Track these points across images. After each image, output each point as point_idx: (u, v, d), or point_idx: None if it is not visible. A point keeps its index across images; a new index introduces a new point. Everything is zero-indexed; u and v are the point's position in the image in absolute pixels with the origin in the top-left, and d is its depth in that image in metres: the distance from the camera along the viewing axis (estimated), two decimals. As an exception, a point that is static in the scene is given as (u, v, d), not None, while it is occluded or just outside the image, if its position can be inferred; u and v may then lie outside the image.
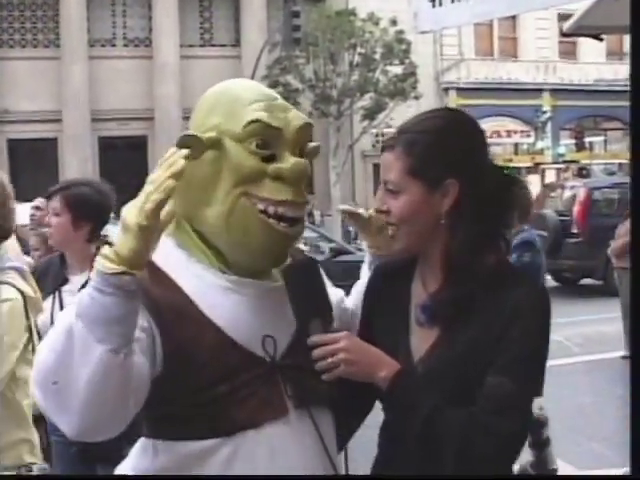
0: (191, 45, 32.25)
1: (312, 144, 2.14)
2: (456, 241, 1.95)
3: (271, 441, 1.90)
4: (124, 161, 30.52)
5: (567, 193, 16.07)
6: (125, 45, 32.16)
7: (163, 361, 1.89)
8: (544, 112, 36.68)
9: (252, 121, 1.95)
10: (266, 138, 1.96)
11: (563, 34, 5.15)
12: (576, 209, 15.24)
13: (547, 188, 18.54)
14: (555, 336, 8.03)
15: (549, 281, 16.16)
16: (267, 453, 1.89)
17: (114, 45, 32.09)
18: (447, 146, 1.97)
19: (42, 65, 30.19)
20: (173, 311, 1.90)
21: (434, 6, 3.32)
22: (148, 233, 1.71)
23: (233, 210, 1.95)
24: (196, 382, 1.90)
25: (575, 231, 15.12)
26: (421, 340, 2.00)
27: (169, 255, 1.98)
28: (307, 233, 16.03)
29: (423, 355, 1.98)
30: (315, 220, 25.81)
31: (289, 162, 1.96)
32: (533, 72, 36.72)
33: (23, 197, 15.10)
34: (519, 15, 34.57)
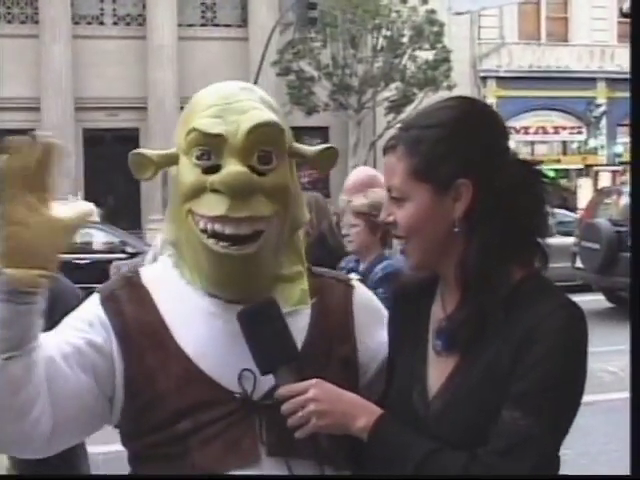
0: (191, 25, 32.35)
1: (319, 147, 2.14)
2: (472, 252, 1.90)
3: None
4: (113, 157, 30.59)
5: (624, 200, 15.96)
6: (115, 23, 32.29)
7: (124, 387, 1.97)
8: (598, 105, 36.64)
9: (190, 130, 1.98)
10: (207, 147, 1.97)
11: (623, 14, 5.15)
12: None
13: (601, 194, 18.43)
14: (608, 366, 7.98)
15: (602, 302, 16.03)
16: None
17: (102, 23, 32.21)
18: (458, 141, 1.92)
19: (18, 44, 30.24)
20: (143, 334, 1.98)
21: (473, -17, 3.31)
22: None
23: (184, 231, 2.01)
24: (157, 416, 1.93)
25: (633, 244, 15.04)
26: (438, 371, 1.95)
27: (162, 274, 2.10)
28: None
29: (438, 390, 1.93)
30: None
31: (223, 172, 1.94)
32: (586, 59, 36.69)
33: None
34: (570, -8, 34.61)
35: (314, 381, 1.89)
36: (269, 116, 2.01)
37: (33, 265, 1.78)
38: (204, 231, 1.96)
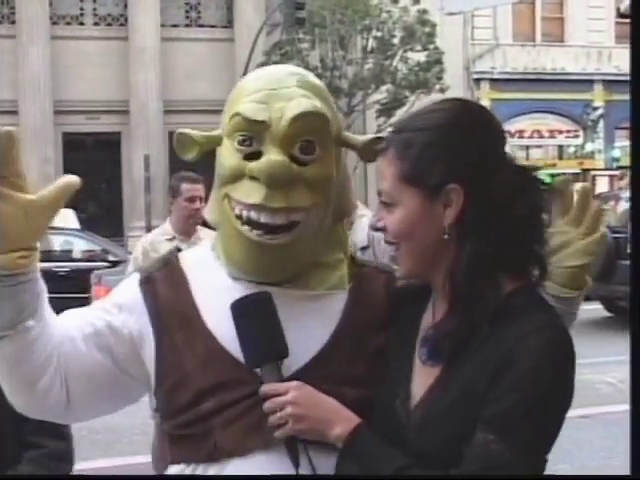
0: (175, 25, 32.38)
1: (368, 137, 2.14)
2: (461, 261, 1.88)
3: (255, 474, 1.92)
4: (93, 162, 30.60)
5: (622, 205, 15.98)
6: (95, 23, 32.28)
7: (156, 368, 2.06)
8: (595, 108, 36.78)
9: (234, 114, 2.01)
10: (249, 133, 1.99)
11: (621, 14, 5.17)
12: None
13: (598, 199, 18.48)
14: (606, 378, 8.01)
15: (600, 311, 16.05)
16: None
17: (82, 23, 32.21)
18: (449, 145, 1.90)
19: (-4, 46, 30.28)
20: (173, 314, 2.06)
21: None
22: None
23: (220, 215, 2.06)
24: (183, 396, 2.00)
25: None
26: (422, 380, 1.94)
27: (201, 256, 2.19)
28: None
29: (420, 399, 1.92)
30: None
31: (263, 160, 1.96)
32: (583, 60, 36.83)
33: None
34: (567, -8, 34.74)
35: (295, 383, 1.90)
36: (314, 104, 2.01)
37: (12, 248, 1.86)
38: (239, 217, 1.99)
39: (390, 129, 2.04)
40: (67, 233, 18.87)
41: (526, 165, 2.03)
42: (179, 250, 2.23)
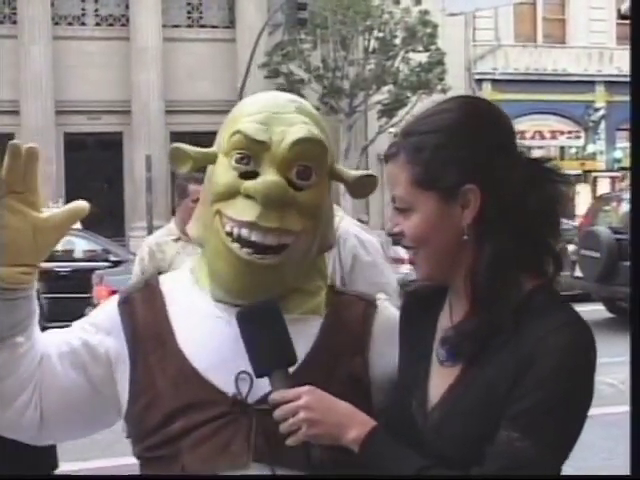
0: (176, 25, 32.33)
1: (361, 173, 2.16)
2: (482, 261, 1.87)
3: None
4: (95, 162, 30.62)
5: (624, 206, 15.94)
6: (97, 24, 32.24)
7: (129, 389, 2.05)
8: (597, 109, 36.75)
9: (235, 132, 2.02)
10: (249, 152, 2.00)
11: (622, 16, 5.17)
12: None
13: (600, 200, 18.44)
14: (607, 379, 7.98)
15: (602, 312, 16.01)
16: None
17: (84, 23, 32.18)
18: (461, 145, 1.88)
19: (-3, 46, 30.28)
20: (149, 334, 2.07)
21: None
22: None
23: (210, 231, 2.06)
24: (154, 417, 2.00)
25: (635, 252, 14.94)
26: (440, 381, 1.93)
27: (179, 278, 2.21)
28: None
29: (438, 401, 1.91)
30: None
31: (260, 179, 1.97)
32: (584, 61, 36.80)
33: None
34: (568, -8, 34.70)
35: (307, 388, 1.88)
36: (315, 132, 2.04)
37: (16, 263, 1.86)
38: (229, 234, 2.00)
39: (398, 134, 2.02)
40: (69, 233, 18.83)
41: (538, 157, 2.02)
42: (160, 273, 2.26)
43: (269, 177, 1.96)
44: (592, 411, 7.04)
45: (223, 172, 2.03)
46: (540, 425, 1.76)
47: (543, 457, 1.76)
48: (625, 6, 6.52)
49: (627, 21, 24.41)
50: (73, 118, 30.66)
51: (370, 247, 3.94)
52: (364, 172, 2.18)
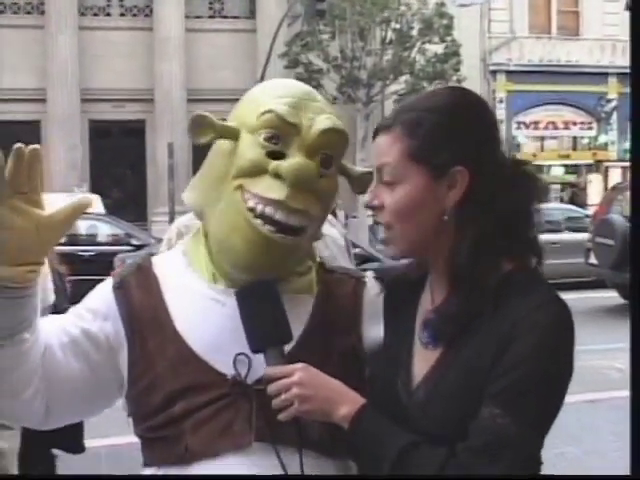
0: (198, 16, 32.33)
1: (363, 169, 2.16)
2: (463, 243, 1.88)
3: (228, 473, 1.92)
4: (119, 149, 30.68)
5: (638, 196, 15.89)
6: (122, 14, 32.28)
7: (128, 372, 2.05)
8: (609, 100, 36.60)
9: (266, 111, 1.99)
10: (279, 132, 1.99)
11: (629, 8, 5.14)
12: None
13: (615, 189, 18.40)
14: (616, 364, 7.97)
15: (616, 298, 16.01)
16: None
17: (109, 14, 32.21)
18: (456, 128, 1.90)
19: (24, 35, 30.29)
20: (146, 319, 2.05)
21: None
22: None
23: (227, 204, 2.01)
24: (155, 399, 1.99)
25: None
26: (423, 362, 1.94)
27: (172, 260, 2.17)
28: (329, 237, 16.08)
29: (422, 380, 1.92)
30: (340, 222, 25.83)
31: (291, 160, 1.96)
32: (597, 53, 36.64)
33: None
34: (582, -15, 34.55)
35: (300, 365, 1.88)
36: (341, 124, 2.05)
37: (22, 262, 1.83)
38: (251, 210, 1.97)
39: (396, 108, 2.04)
40: (92, 218, 18.93)
41: (519, 159, 2.04)
42: (151, 255, 2.23)
43: (301, 159, 1.96)
44: (600, 395, 7.16)
45: (249, 148, 2.00)
46: (521, 402, 1.77)
47: (524, 433, 1.77)
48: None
49: (627, 12, 24.34)
50: (98, 106, 30.71)
51: (329, 241, 3.95)
52: (367, 169, 2.18)
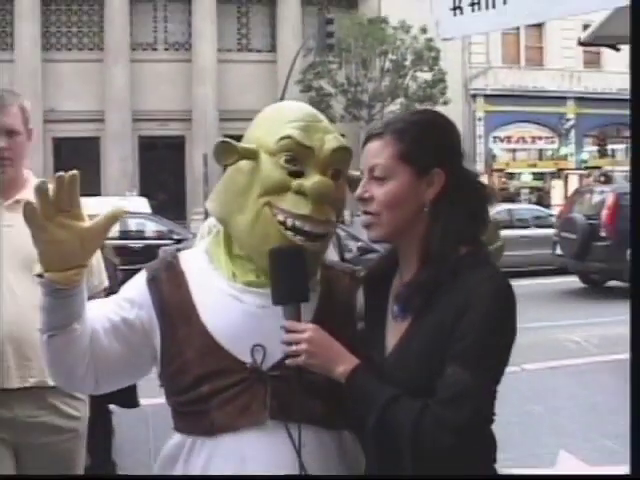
0: (229, 50, 32.36)
1: (354, 173, 2.14)
2: (436, 231, 1.91)
3: (244, 447, 1.92)
4: (163, 160, 30.74)
5: (596, 198, 15.88)
6: (166, 49, 32.33)
7: (161, 355, 2.04)
8: (568, 119, 36.50)
9: (284, 137, 1.96)
10: (296, 155, 1.96)
11: (580, 43, 5.13)
12: (604, 213, 14.89)
13: (576, 193, 18.39)
14: (573, 336, 7.98)
15: (577, 283, 16.05)
16: (238, 459, 1.92)
17: (155, 49, 32.27)
18: (436, 138, 1.96)
19: (86, 67, 30.42)
20: (176, 311, 2.02)
21: (455, 15, 3.34)
22: (43, 243, 1.82)
23: (257, 218, 1.97)
24: (184, 380, 1.99)
25: (603, 234, 14.87)
26: (394, 333, 1.95)
27: (195, 257, 2.12)
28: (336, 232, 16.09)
29: (393, 349, 1.94)
30: (345, 220, 25.78)
31: (312, 179, 1.95)
32: (558, 80, 36.50)
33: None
34: (545, 25, 34.52)
35: (312, 325, 1.90)
36: (345, 141, 2.04)
37: (68, 267, 1.84)
38: (282, 223, 1.95)
39: (385, 120, 2.05)
40: (141, 216, 18.92)
41: (471, 170, 2.07)
42: (178, 251, 2.20)
43: (320, 177, 1.95)
44: (559, 362, 7.10)
45: (272, 170, 1.97)
46: (477, 359, 1.79)
47: (480, 385, 1.79)
48: (585, 35, 6.48)
49: (591, 48, 24.35)
50: (146, 124, 30.77)
51: None
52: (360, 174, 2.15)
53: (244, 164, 2.00)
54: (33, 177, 3.19)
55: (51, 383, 2.94)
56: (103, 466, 5.79)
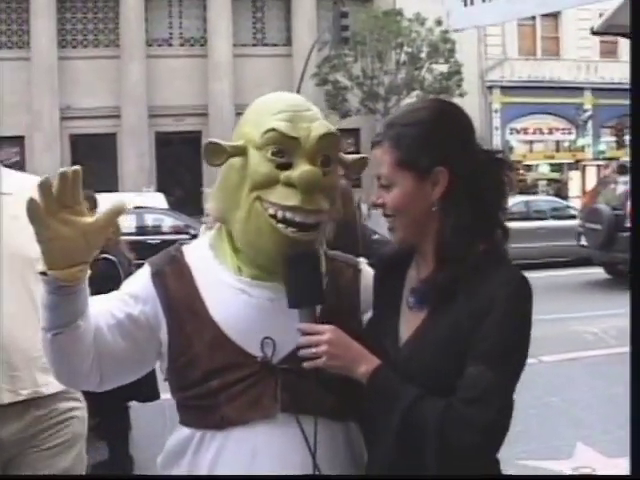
0: (244, 44, 32.36)
1: (355, 156, 2.13)
2: (447, 227, 1.90)
3: (255, 440, 1.92)
4: (179, 155, 30.77)
5: (620, 188, 15.80)
6: (181, 44, 32.36)
7: (168, 349, 2.02)
8: (585, 110, 36.29)
9: (269, 130, 1.95)
10: (282, 146, 1.94)
11: (594, 32, 5.10)
12: (629, 204, 14.85)
13: (601, 183, 18.30)
14: (592, 328, 7.94)
15: (602, 274, 15.98)
16: (249, 451, 1.92)
17: (170, 44, 32.30)
18: (433, 136, 1.92)
19: (102, 64, 30.50)
20: (183, 305, 2.00)
21: (466, 5, 3.34)
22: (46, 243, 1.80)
23: (249, 214, 1.96)
24: (193, 374, 1.97)
25: (628, 225, 14.85)
26: (409, 323, 1.95)
27: (200, 253, 2.10)
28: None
29: (408, 338, 1.94)
30: (362, 213, 25.76)
31: (300, 169, 1.92)
32: (575, 71, 36.31)
33: (84, 189, 15.37)
34: (561, 15, 34.31)
35: (331, 327, 1.88)
36: (332, 126, 2.01)
37: (72, 264, 1.82)
38: (273, 216, 1.93)
39: (383, 125, 2.03)
40: (158, 212, 19.00)
41: (491, 149, 2.04)
42: (182, 244, 2.19)
43: (307, 167, 1.92)
44: (577, 354, 7.08)
45: (260, 164, 1.95)
46: (501, 359, 1.80)
47: (505, 383, 1.82)
48: (597, 24, 6.42)
49: (608, 38, 24.13)
50: (162, 120, 30.82)
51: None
52: (358, 156, 2.15)
53: (235, 161, 1.99)
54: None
55: (46, 392, 2.90)
56: (121, 460, 5.84)
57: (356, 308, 2.10)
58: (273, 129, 1.94)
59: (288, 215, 1.92)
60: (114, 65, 30.34)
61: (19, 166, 29.85)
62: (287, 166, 1.95)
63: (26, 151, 30.06)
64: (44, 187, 1.75)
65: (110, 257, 5.51)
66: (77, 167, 1.78)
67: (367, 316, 2.11)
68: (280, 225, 1.93)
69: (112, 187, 24.28)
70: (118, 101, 30.22)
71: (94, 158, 29.15)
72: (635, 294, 2.10)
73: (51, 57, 29.99)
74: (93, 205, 5.64)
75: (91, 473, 5.75)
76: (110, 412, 5.49)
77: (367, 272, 2.18)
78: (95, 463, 5.90)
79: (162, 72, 30.72)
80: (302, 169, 1.92)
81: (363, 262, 2.22)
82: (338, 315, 1.97)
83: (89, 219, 1.82)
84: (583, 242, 16.28)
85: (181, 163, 30.78)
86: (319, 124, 1.98)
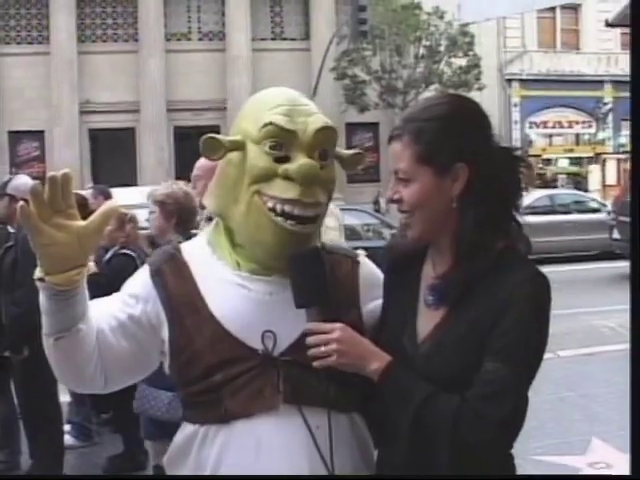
0: (262, 39, 32.38)
1: (352, 151, 2.13)
2: (466, 224, 1.89)
3: (258, 432, 1.92)
4: (197, 150, 30.59)
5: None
6: (200, 39, 32.43)
7: (170, 347, 2.02)
8: (605, 103, 36.10)
9: (266, 124, 1.95)
10: (280, 140, 1.95)
11: (609, 25, 5.08)
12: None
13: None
14: (609, 322, 7.87)
15: (627, 267, 15.90)
16: (254, 444, 1.92)
17: (189, 39, 32.38)
18: (454, 132, 1.91)
19: (121, 59, 30.63)
20: (182, 302, 2.01)
21: (476, -3, 3.34)
22: (44, 248, 1.81)
23: (249, 208, 1.97)
24: (195, 370, 1.97)
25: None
26: (427, 320, 1.94)
27: (198, 249, 2.11)
28: (370, 220, 16.01)
29: (427, 335, 1.92)
30: (380, 207, 25.72)
31: (297, 163, 1.93)
32: (595, 64, 36.12)
33: (103, 183, 15.24)
34: (581, 7, 34.15)
35: (339, 325, 1.88)
36: (329, 120, 2.01)
37: (68, 268, 1.83)
38: (272, 210, 1.94)
39: (402, 118, 2.01)
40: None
41: (509, 146, 2.03)
42: (179, 242, 2.20)
43: (305, 160, 1.93)
44: (594, 349, 7.03)
45: (258, 158, 1.96)
46: (518, 356, 1.80)
47: (520, 381, 1.82)
48: (612, 16, 6.41)
49: (624, 29, 24.03)
50: (181, 114, 30.92)
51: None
52: (355, 151, 2.15)
53: (234, 156, 2.00)
54: None
55: None
56: (135, 454, 5.88)
57: (354, 300, 2.09)
58: (271, 123, 1.95)
59: (287, 208, 1.93)
60: (133, 60, 30.46)
61: (39, 160, 30.05)
62: (285, 159, 1.95)
63: (46, 145, 30.24)
64: (35, 193, 1.75)
65: (129, 252, 5.53)
66: (67, 170, 1.78)
67: (367, 308, 2.10)
68: (279, 218, 1.94)
69: (131, 181, 24.35)
70: (137, 95, 30.34)
71: (113, 152, 29.31)
72: (635, 294, 2.09)
73: (70, 52, 30.13)
74: (107, 197, 5.69)
75: (107, 465, 5.84)
76: (121, 405, 5.51)
77: (365, 264, 2.18)
78: (111, 455, 5.96)
79: (181, 67, 30.78)
80: (300, 162, 1.93)
81: (362, 254, 2.22)
82: (337, 308, 1.97)
83: (82, 222, 1.83)
84: (616, 235, 16.26)
85: (200, 157, 30.83)
86: (316, 118, 1.99)
